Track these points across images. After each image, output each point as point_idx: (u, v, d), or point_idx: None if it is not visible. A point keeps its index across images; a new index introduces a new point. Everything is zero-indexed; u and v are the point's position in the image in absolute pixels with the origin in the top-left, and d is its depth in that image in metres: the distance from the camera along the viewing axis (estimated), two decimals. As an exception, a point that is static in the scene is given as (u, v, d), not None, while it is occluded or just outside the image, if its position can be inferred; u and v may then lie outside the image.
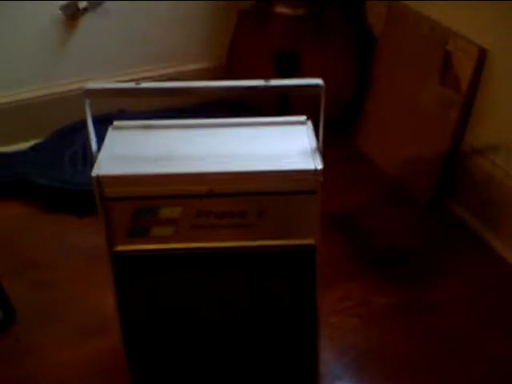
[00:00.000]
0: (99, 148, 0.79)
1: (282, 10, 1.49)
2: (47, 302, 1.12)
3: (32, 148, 1.53)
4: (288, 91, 0.76)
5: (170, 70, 1.64)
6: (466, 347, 1.03)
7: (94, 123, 1.61)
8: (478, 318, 1.08)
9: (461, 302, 1.11)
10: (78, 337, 1.05)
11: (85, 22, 1.51)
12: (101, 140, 0.81)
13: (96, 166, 0.75)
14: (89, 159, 1.46)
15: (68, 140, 1.53)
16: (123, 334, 0.87)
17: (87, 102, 0.74)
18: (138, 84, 0.72)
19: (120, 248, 0.79)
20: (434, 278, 1.17)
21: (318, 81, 0.74)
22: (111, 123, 1.56)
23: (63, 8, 1.45)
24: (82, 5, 1.45)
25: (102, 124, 1.58)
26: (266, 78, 1.51)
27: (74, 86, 1.57)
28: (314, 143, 0.79)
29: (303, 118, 0.84)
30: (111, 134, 0.83)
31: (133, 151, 0.78)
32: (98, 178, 0.73)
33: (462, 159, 1.33)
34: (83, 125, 1.54)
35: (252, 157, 0.77)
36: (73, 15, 1.47)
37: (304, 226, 0.78)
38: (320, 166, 0.74)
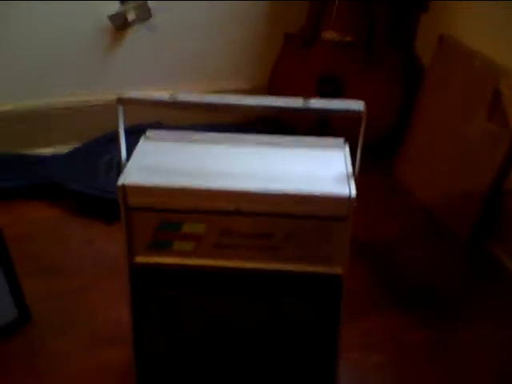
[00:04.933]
0: (129, 157, 0.77)
1: (330, 35, 1.47)
2: (64, 308, 1.10)
3: (69, 153, 1.54)
4: (327, 114, 0.73)
5: (212, 88, 1.64)
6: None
7: (130, 133, 1.61)
8: (505, 365, 1.03)
9: (489, 347, 1.06)
10: (91, 346, 1.03)
11: (132, 34, 1.52)
12: (133, 149, 0.80)
13: (123, 174, 0.74)
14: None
15: (105, 148, 1.53)
16: (134, 348, 0.84)
17: (120, 110, 0.72)
18: (173, 96, 0.70)
19: (139, 259, 0.77)
20: (463, 319, 1.12)
21: (359, 105, 0.71)
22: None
23: (112, 18, 1.46)
24: (131, 17, 1.46)
25: (138, 134, 1.59)
26: (307, 91, 1.48)
27: (114, 97, 1.58)
28: (349, 168, 0.76)
29: (341, 140, 0.81)
30: (143, 144, 0.81)
31: (162, 163, 0.77)
32: (124, 186, 0.72)
33: (505, 199, 1.28)
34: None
35: (284, 177, 0.74)
36: (121, 26, 1.48)
37: (332, 254, 0.75)
38: (354, 193, 0.71)
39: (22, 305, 1.04)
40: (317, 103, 0.71)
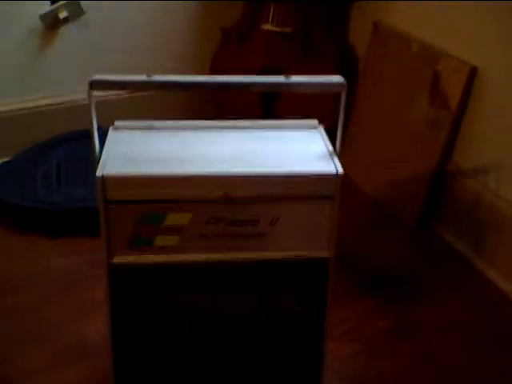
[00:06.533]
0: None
1: (268, 27, 1.47)
2: (22, 326, 1.03)
3: (1, 166, 1.43)
4: (308, 89, 0.72)
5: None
6: (459, 368, 1.00)
7: (71, 139, 1.53)
8: (467, 338, 1.06)
9: (452, 323, 1.10)
10: (55, 363, 0.96)
11: (64, 33, 1.45)
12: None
13: (100, 165, 0.68)
14: (63, 177, 1.38)
15: (41, 158, 1.44)
16: (113, 357, 0.78)
17: (92, 95, 0.67)
18: (149, 77, 0.66)
19: (118, 260, 0.72)
20: (424, 300, 1.15)
21: (339, 78, 0.70)
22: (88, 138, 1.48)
23: (42, 17, 1.38)
24: (63, 15, 1.39)
25: (79, 140, 1.50)
26: (250, 96, 1.49)
27: (48, 101, 1.50)
28: (330, 147, 0.75)
29: (315, 121, 0.80)
30: (113, 135, 0.76)
31: (139, 152, 0.72)
32: (103, 178, 0.66)
33: (449, 180, 1.32)
34: (57, 142, 1.49)
35: (269, 159, 0.72)
36: (52, 25, 1.40)
37: (319, 236, 0.74)
38: (341, 170, 0.70)
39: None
40: (298, 78, 0.69)
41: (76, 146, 1.47)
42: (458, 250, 1.27)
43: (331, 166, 0.71)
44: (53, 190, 1.35)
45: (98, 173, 0.67)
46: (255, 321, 0.78)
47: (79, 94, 1.47)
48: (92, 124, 0.69)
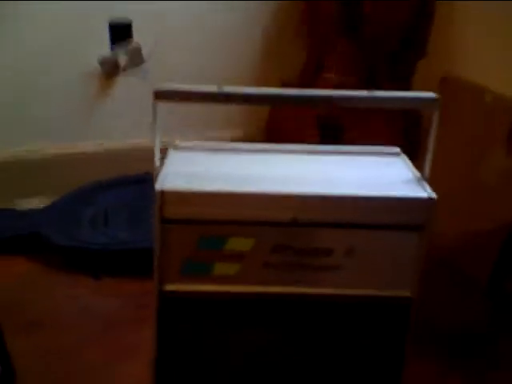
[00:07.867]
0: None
1: (332, 76, 1.43)
2: (56, 367, 0.95)
3: (50, 205, 1.40)
4: (396, 104, 0.64)
5: (205, 137, 1.55)
6: None
7: (121, 183, 1.51)
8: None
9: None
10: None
11: (123, 80, 1.43)
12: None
13: (159, 180, 0.62)
14: (110, 221, 1.35)
15: (89, 200, 1.41)
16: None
17: (156, 106, 0.62)
18: (221, 88, 0.61)
19: (171, 287, 0.64)
20: (502, 366, 1.03)
21: (432, 94, 0.63)
22: (138, 184, 1.44)
23: (102, 62, 1.37)
24: (123, 62, 1.37)
25: (128, 185, 1.48)
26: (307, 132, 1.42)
27: (99, 148, 1.48)
28: (417, 173, 0.67)
29: (396, 148, 0.73)
30: (173, 154, 0.70)
31: (202, 170, 0.66)
32: (163, 192, 0.60)
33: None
34: (106, 186, 1.46)
35: (346, 182, 0.64)
36: (111, 72, 1.38)
37: (400, 273, 0.64)
38: (434, 195, 0.61)
39: (7, 364, 0.88)
40: (384, 93, 0.62)
41: (125, 190, 1.45)
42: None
43: (421, 191, 0.62)
44: (99, 231, 1.31)
45: (158, 187, 0.60)
46: (321, 365, 0.68)
47: (132, 144, 1.45)
48: (156, 139, 0.63)
